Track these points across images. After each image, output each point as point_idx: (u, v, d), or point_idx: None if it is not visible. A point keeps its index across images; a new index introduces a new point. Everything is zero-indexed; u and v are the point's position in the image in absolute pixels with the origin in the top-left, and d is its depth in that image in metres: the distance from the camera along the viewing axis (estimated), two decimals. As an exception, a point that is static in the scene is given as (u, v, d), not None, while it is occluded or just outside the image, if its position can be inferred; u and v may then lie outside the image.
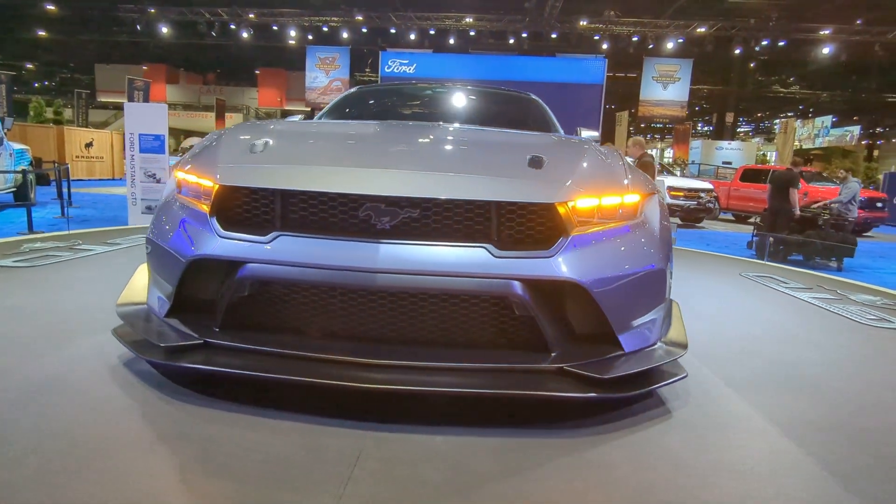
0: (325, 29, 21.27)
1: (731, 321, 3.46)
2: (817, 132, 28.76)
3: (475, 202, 1.86)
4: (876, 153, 34.24)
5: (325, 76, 21.73)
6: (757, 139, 37.29)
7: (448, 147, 2.29)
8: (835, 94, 29.16)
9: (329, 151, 2.11)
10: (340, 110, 3.72)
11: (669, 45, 20.74)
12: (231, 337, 1.97)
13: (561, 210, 1.88)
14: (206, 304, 2.10)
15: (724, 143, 26.83)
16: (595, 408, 2.00)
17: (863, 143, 32.08)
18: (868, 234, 12.69)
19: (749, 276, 5.23)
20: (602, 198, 1.98)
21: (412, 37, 20.21)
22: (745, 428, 1.97)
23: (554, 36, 20.18)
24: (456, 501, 1.45)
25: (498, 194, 1.85)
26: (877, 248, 9.89)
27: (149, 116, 7.01)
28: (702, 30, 21.26)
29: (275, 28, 21.83)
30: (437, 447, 1.70)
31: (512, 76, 16.31)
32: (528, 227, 1.91)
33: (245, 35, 22.08)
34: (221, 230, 1.93)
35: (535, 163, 2.01)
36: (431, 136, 2.45)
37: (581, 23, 20.42)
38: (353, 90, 4.07)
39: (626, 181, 2.12)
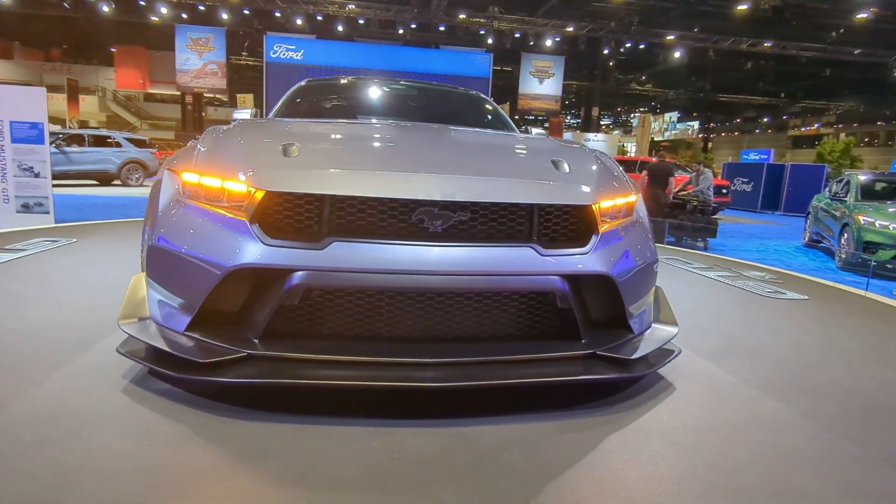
0: (202, 8, 19.57)
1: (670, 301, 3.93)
2: (666, 126, 32.49)
3: (520, 205, 2.00)
4: (710, 145, 39.42)
5: (199, 58, 20.06)
6: (617, 131, 41.07)
7: (482, 152, 2.38)
8: (679, 93, 33.06)
9: (373, 156, 2.11)
10: (301, 105, 3.61)
11: (548, 43, 22.06)
12: (277, 347, 1.92)
13: (594, 210, 2.08)
14: (228, 316, 2.01)
15: (591, 135, 29.19)
16: (609, 386, 2.24)
17: (700, 136, 36.77)
18: (716, 216, 14.67)
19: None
20: (616, 198, 2.22)
21: (298, 21, 19.37)
22: (731, 391, 2.33)
23: (441, 28, 20.56)
24: (545, 481, 1.59)
25: (543, 197, 2.00)
26: (726, 228, 11.50)
27: (22, 101, 6.10)
28: (570, 29, 22.93)
29: (142, 3, 19.63)
30: (508, 436, 1.82)
31: (401, 67, 16.37)
32: (566, 226, 2.09)
33: (105, 9, 19.59)
34: (267, 237, 1.86)
35: (560, 166, 2.19)
36: (458, 140, 2.52)
37: (461, 16, 21.01)
38: (303, 84, 3.94)
39: (626, 182, 2.38)
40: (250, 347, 1.92)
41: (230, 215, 1.93)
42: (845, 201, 8.82)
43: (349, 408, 1.94)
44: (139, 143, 14.39)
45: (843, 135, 37.46)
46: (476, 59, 17.77)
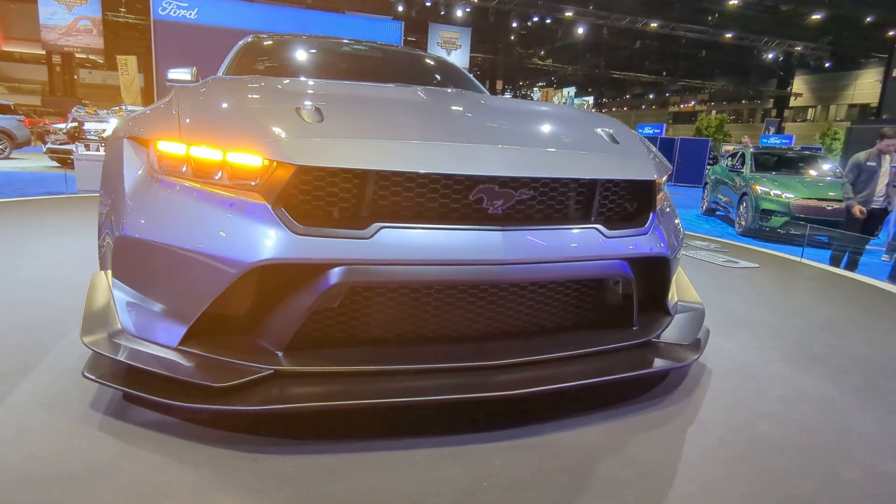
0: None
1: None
2: (564, 100, 33.64)
3: (585, 180, 1.76)
4: (603, 120, 41.37)
5: (68, 12, 17.36)
6: (517, 106, 41.81)
7: (528, 121, 2.07)
8: (576, 69, 34.26)
9: (415, 123, 1.75)
10: (254, 67, 3.09)
11: (458, 14, 21.71)
12: (309, 360, 1.57)
13: (655, 185, 1.90)
14: (235, 324, 1.63)
15: (496, 109, 29.46)
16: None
17: (594, 110, 38.59)
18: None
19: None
20: (665, 172, 2.05)
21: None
22: (757, 368, 2.30)
23: (346, -8, 19.48)
24: (638, 476, 1.42)
25: (610, 171, 1.78)
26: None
27: None
28: (477, 0, 22.76)
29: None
30: (586, 440, 1.62)
31: (307, 31, 15.26)
32: (626, 203, 1.90)
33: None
34: (298, 224, 1.48)
35: (612, 138, 1.97)
36: (496, 108, 2.19)
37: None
38: (250, 41, 3.39)
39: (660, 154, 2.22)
40: (274, 362, 1.54)
41: (242, 197, 1.52)
42: (742, 173, 9.59)
43: (401, 424, 1.64)
44: (4, 110, 12.22)
45: (714, 112, 41.13)
46: (387, 27, 17.06)
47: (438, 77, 3.48)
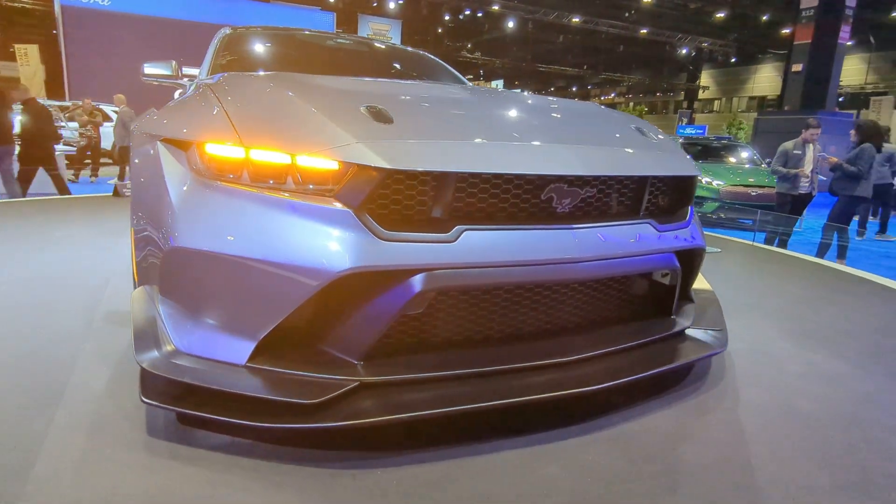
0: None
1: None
2: (493, 94, 34.32)
3: (639, 177, 1.82)
4: (529, 112, 42.39)
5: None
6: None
7: (578, 119, 2.09)
8: (504, 62, 34.82)
9: (481, 124, 1.72)
10: (237, 62, 2.93)
11: (391, 6, 21.42)
12: (390, 369, 1.53)
13: (695, 181, 1.99)
14: (303, 337, 1.56)
15: (427, 102, 29.44)
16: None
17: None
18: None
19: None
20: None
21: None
22: (770, 348, 2.47)
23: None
24: (720, 459, 1.50)
25: (660, 168, 1.84)
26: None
27: None
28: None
29: None
30: (654, 427, 1.68)
31: (233, 21, 14.54)
32: (670, 199, 1.97)
33: None
34: (384, 230, 1.43)
35: (652, 136, 2.04)
36: (544, 107, 2.17)
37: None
38: (229, 33, 3.21)
39: None
40: (356, 373, 1.49)
41: (321, 203, 1.45)
42: (674, 162, 10.23)
43: (479, 428, 1.62)
44: None
45: (631, 104, 43.25)
46: (318, 18, 16.57)
47: (433, 74, 3.46)
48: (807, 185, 6.56)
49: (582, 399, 1.78)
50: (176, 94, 4.14)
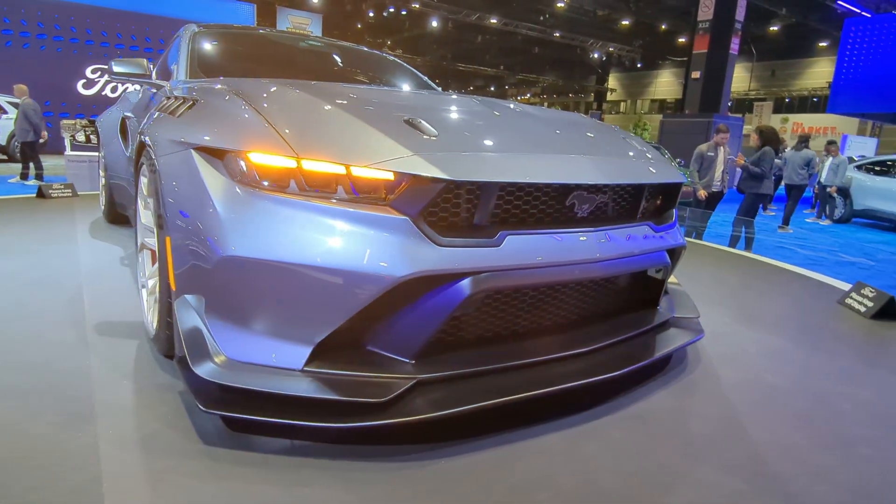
0: None
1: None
2: (414, 92, 34.46)
3: (640, 185, 2.03)
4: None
5: None
6: (365, 95, 41.55)
7: (584, 132, 2.26)
8: (424, 60, 35.02)
9: (520, 136, 1.88)
10: (210, 63, 2.87)
11: (315, 0, 20.86)
12: (441, 366, 1.64)
13: (680, 187, 2.24)
14: (354, 338, 1.64)
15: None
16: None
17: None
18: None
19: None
20: None
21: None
22: (715, 325, 2.81)
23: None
24: (722, 428, 1.75)
25: (656, 176, 2.06)
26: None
27: None
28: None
29: None
30: (662, 406, 1.91)
31: (149, 9, 13.68)
32: (661, 203, 2.20)
33: None
34: (440, 237, 1.54)
35: (640, 146, 2.27)
36: (553, 119, 2.33)
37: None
38: (196, 31, 3.11)
39: None
40: (410, 372, 1.59)
41: (378, 212, 1.52)
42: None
43: (514, 415, 1.76)
44: None
45: (545, 104, 44.99)
46: (239, 10, 15.87)
47: (407, 79, 3.55)
48: (719, 183, 7.27)
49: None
50: (131, 91, 3.94)
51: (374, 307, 1.53)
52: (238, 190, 1.57)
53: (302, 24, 22.83)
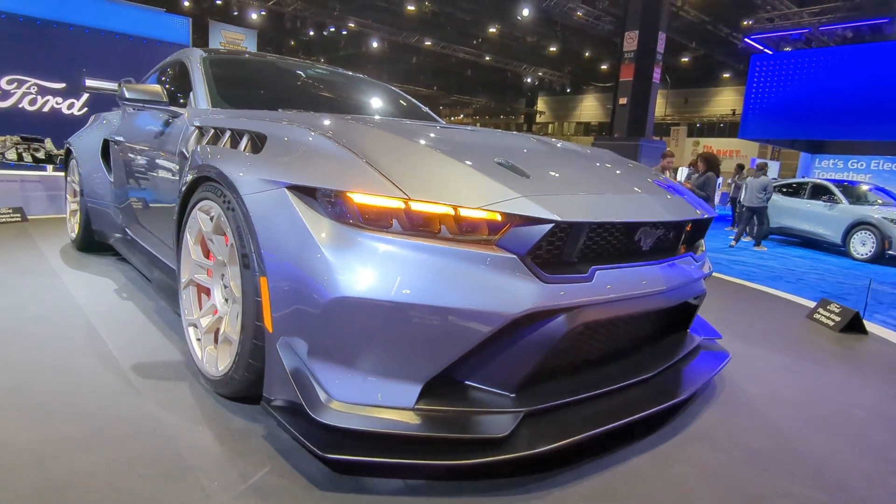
0: None
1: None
2: (349, 110, 34.30)
3: (685, 221, 2.19)
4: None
5: None
6: (297, 112, 40.90)
7: (635, 171, 2.40)
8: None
9: (595, 178, 2.05)
10: (225, 90, 2.82)
11: (253, 17, 20.36)
12: (542, 398, 1.72)
13: (710, 221, 2.43)
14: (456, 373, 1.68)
15: (282, 116, 28.39)
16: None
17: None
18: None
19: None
20: None
21: None
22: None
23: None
24: (769, 444, 1.93)
25: (697, 212, 2.24)
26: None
27: None
28: (272, 3, 21.76)
29: None
30: (720, 421, 2.07)
31: (78, 20, 12.80)
32: (694, 236, 2.38)
33: None
34: (546, 274, 1.62)
35: (666, 180, 2.45)
36: (606, 158, 2.45)
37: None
38: (205, 56, 3.04)
39: None
40: (511, 405, 1.65)
41: (487, 251, 1.58)
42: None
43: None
44: None
45: (478, 124, 46.14)
46: (173, 22, 15.21)
47: (418, 110, 3.64)
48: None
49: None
50: (110, 114, 3.76)
51: (485, 344, 1.58)
52: (344, 230, 1.58)
53: (236, 40, 22.22)
